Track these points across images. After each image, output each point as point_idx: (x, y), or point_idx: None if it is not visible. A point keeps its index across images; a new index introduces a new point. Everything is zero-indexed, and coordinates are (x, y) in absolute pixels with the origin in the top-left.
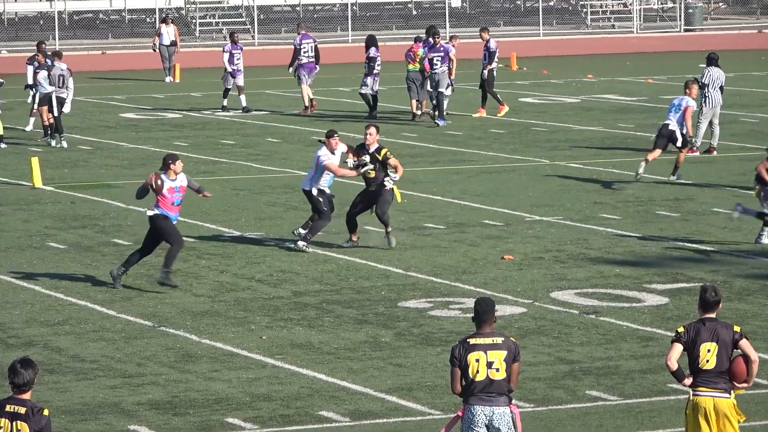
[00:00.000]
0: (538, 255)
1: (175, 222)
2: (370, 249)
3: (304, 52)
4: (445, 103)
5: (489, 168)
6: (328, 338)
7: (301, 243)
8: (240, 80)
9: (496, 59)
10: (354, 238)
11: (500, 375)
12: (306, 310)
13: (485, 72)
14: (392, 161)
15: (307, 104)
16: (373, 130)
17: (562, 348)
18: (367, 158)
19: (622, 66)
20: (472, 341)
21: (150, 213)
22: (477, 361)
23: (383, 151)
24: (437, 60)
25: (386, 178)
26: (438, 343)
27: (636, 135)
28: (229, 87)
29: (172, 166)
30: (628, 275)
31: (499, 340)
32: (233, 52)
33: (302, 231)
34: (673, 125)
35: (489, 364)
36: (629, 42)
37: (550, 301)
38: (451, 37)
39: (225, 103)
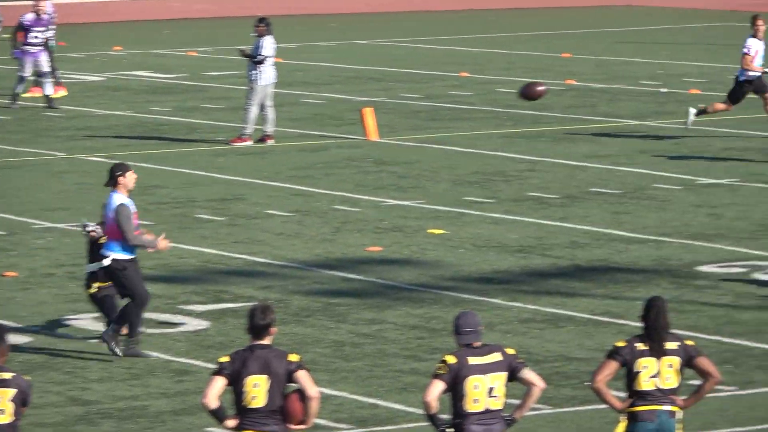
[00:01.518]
0: (49, 271)
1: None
2: None
3: None
4: None
5: None
6: None
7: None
8: None
9: (53, 27)
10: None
11: (4, 418)
12: None
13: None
14: None
15: None
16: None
17: (76, 386)
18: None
19: (157, 36)
20: None
21: (106, 262)
22: None
23: None
24: None
25: None
26: None
27: (172, 120)
28: None
29: (121, 179)
30: (160, 294)
31: (8, 375)
32: None
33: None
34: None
35: None
36: (171, 7)
37: (63, 328)
38: None
39: None
